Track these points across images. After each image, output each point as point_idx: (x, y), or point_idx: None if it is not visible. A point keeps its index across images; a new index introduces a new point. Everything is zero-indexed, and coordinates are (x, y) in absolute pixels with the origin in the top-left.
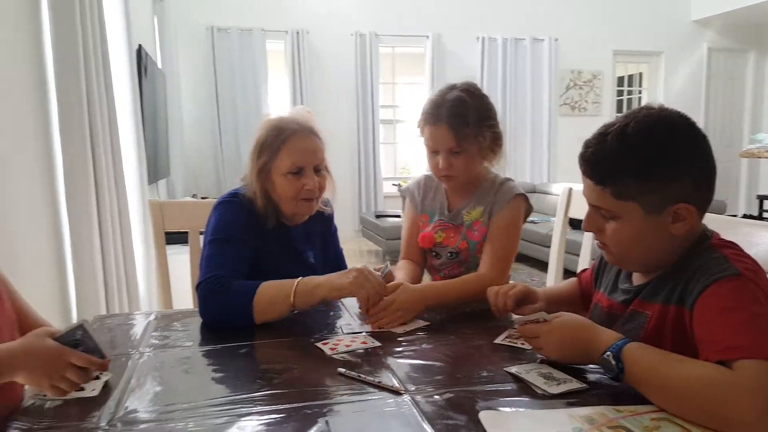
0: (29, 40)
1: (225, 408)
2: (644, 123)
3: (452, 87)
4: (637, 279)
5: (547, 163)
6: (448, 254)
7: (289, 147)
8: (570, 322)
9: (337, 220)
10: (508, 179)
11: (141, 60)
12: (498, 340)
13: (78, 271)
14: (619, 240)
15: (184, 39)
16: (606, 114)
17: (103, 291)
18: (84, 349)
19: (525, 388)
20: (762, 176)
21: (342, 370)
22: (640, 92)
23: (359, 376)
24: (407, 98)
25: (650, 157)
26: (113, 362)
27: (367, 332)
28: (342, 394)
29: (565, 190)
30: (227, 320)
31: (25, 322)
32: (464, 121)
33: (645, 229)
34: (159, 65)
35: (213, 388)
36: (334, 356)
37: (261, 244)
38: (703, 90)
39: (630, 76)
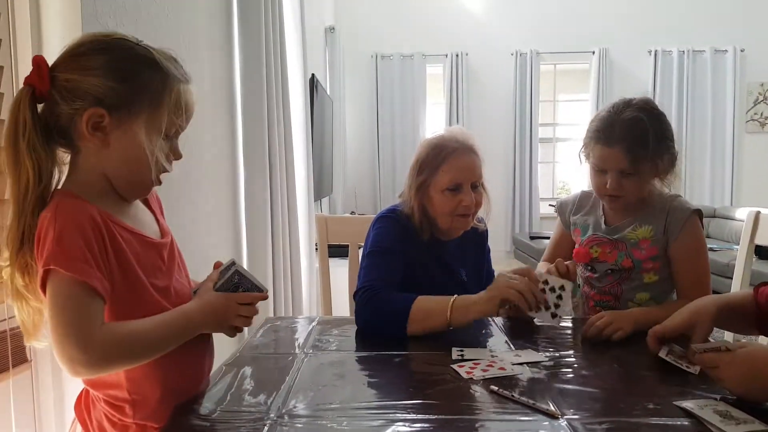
0: (223, 69)
1: (378, 412)
2: None
3: (627, 104)
4: None
5: (730, 185)
6: (608, 270)
7: (448, 164)
8: (758, 353)
9: (490, 241)
10: (678, 195)
11: (313, 87)
12: (661, 354)
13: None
14: None
15: (350, 67)
16: None
17: (271, 295)
18: (244, 289)
19: (698, 426)
20: None
21: (495, 387)
22: None
23: (512, 396)
24: (569, 116)
25: None
26: (281, 360)
27: (515, 362)
28: (494, 412)
29: (751, 213)
30: (381, 328)
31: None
32: (640, 143)
33: None
34: (328, 91)
35: (367, 392)
36: (474, 378)
37: (416, 258)
38: None
39: None
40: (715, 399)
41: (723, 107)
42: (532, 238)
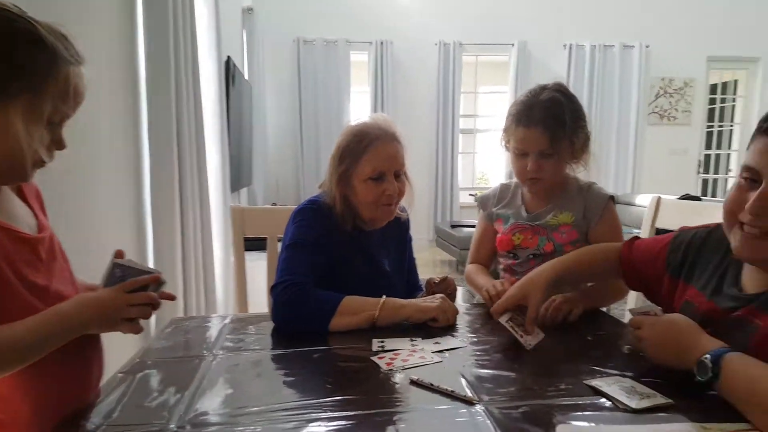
0: (124, 49)
1: (294, 412)
2: None
3: (543, 88)
4: (751, 286)
5: (632, 174)
6: (530, 256)
7: (371, 153)
8: (677, 321)
9: (412, 230)
10: (593, 183)
11: (229, 71)
12: (502, 320)
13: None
14: None
15: (270, 51)
16: (696, 123)
17: (182, 294)
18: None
19: (606, 403)
20: None
21: (414, 377)
22: (734, 100)
23: (431, 385)
24: (488, 107)
25: None
26: (186, 363)
27: (434, 349)
28: (414, 403)
29: (654, 199)
30: (302, 325)
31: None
32: (557, 123)
33: None
34: (246, 76)
35: (284, 392)
36: (394, 370)
37: (338, 249)
38: None
39: (724, 84)
40: (621, 376)
41: (629, 100)
42: (453, 226)
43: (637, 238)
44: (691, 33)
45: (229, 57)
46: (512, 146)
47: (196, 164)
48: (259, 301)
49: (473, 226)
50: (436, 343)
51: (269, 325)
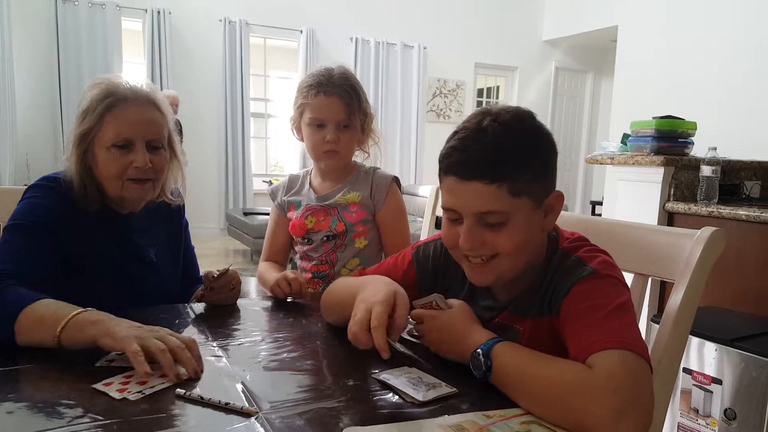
0: None
1: None
2: (517, 115)
3: (332, 68)
4: (501, 294)
5: (414, 167)
6: (323, 238)
7: (116, 114)
8: (453, 315)
9: (200, 217)
10: (377, 167)
11: None
12: (384, 377)
13: None
14: (513, 245)
15: (20, 8)
16: None
17: None
18: None
19: (394, 397)
20: (595, 184)
21: (181, 391)
22: (497, 103)
23: (201, 398)
24: (279, 93)
25: (538, 145)
26: None
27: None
28: (178, 424)
29: (433, 188)
30: None
31: None
32: (353, 95)
33: (531, 226)
34: None
35: None
36: (130, 398)
37: (84, 235)
38: (550, 105)
39: (489, 89)
40: (409, 367)
41: (410, 97)
42: (246, 214)
43: (364, 269)
44: (462, 40)
45: None
46: (308, 118)
47: None
48: None
49: (268, 214)
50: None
51: None
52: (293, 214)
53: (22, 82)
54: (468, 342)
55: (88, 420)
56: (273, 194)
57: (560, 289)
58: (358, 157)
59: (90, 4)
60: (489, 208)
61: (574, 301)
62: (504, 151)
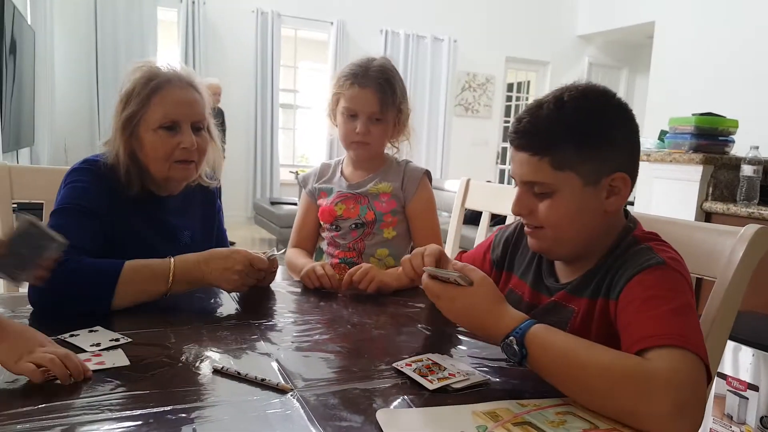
0: None
1: (61, 415)
2: (580, 92)
3: (373, 58)
4: (563, 276)
5: (441, 160)
6: (351, 226)
7: (162, 96)
8: (480, 294)
9: (229, 205)
10: (409, 160)
11: (3, 11)
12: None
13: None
14: (556, 218)
15: None
16: (496, 117)
17: None
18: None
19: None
20: None
21: (218, 366)
22: (527, 99)
23: (238, 374)
24: (308, 85)
25: (589, 123)
26: None
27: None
28: (217, 396)
29: (462, 181)
30: (71, 304)
31: None
32: (389, 88)
33: (582, 204)
34: (29, 20)
35: (46, 390)
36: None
37: (123, 217)
38: None
39: (519, 83)
40: (427, 355)
41: (438, 91)
42: (273, 203)
43: (464, 251)
44: (493, 33)
45: None
46: (342, 107)
47: None
48: None
49: (294, 204)
50: None
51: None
52: (324, 201)
53: (61, 70)
54: (498, 327)
55: (124, 388)
56: (304, 181)
57: (624, 274)
58: (386, 150)
59: None
60: (531, 179)
61: (637, 289)
62: (547, 125)
